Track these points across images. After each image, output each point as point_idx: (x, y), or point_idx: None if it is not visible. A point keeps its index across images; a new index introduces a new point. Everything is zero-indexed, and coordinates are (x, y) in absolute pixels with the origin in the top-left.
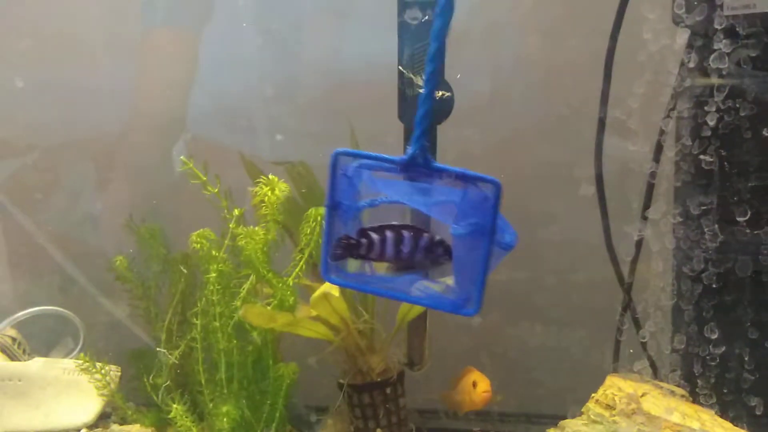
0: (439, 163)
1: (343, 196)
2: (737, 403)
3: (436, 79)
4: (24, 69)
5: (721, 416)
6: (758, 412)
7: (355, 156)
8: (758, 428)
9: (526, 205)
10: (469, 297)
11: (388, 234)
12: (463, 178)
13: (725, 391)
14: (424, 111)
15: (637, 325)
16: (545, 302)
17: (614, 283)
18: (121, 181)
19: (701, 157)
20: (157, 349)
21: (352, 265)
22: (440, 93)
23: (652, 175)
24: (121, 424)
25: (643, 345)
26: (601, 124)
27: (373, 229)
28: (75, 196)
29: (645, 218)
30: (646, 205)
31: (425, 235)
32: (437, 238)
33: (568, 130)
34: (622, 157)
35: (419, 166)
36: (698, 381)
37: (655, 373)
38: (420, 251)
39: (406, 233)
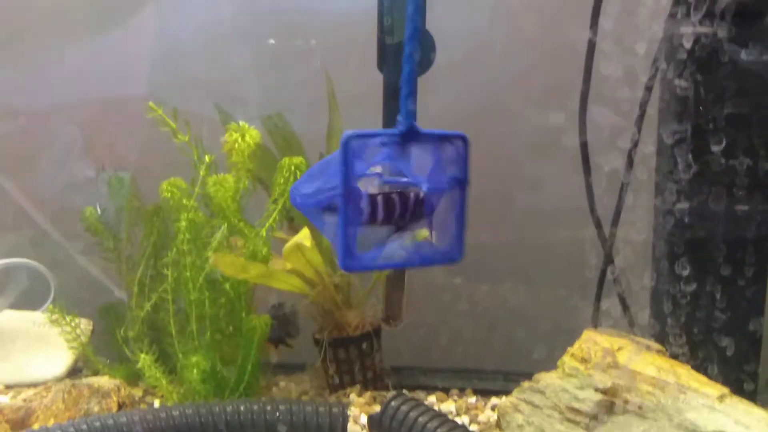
0: (422, 128)
1: (355, 181)
2: (708, 343)
3: (418, 38)
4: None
5: (691, 356)
6: (729, 353)
7: (365, 136)
8: (728, 369)
9: (511, 168)
10: (451, 246)
11: (380, 198)
12: (442, 138)
13: (695, 330)
14: (408, 71)
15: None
16: (525, 262)
17: (595, 243)
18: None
19: (676, 82)
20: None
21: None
22: None
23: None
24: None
25: (615, 281)
26: (586, 87)
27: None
28: (54, 157)
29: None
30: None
31: (411, 195)
32: (419, 195)
33: (553, 91)
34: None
35: (411, 133)
36: (668, 320)
37: (625, 311)
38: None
39: (395, 197)
